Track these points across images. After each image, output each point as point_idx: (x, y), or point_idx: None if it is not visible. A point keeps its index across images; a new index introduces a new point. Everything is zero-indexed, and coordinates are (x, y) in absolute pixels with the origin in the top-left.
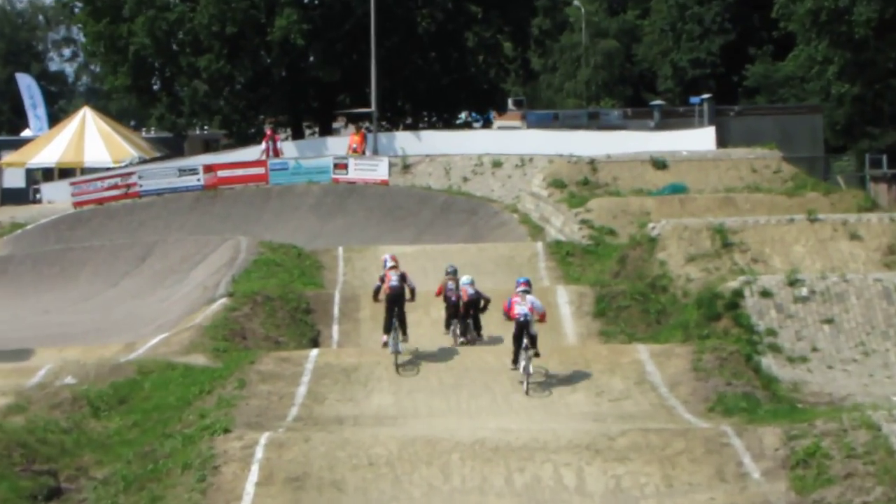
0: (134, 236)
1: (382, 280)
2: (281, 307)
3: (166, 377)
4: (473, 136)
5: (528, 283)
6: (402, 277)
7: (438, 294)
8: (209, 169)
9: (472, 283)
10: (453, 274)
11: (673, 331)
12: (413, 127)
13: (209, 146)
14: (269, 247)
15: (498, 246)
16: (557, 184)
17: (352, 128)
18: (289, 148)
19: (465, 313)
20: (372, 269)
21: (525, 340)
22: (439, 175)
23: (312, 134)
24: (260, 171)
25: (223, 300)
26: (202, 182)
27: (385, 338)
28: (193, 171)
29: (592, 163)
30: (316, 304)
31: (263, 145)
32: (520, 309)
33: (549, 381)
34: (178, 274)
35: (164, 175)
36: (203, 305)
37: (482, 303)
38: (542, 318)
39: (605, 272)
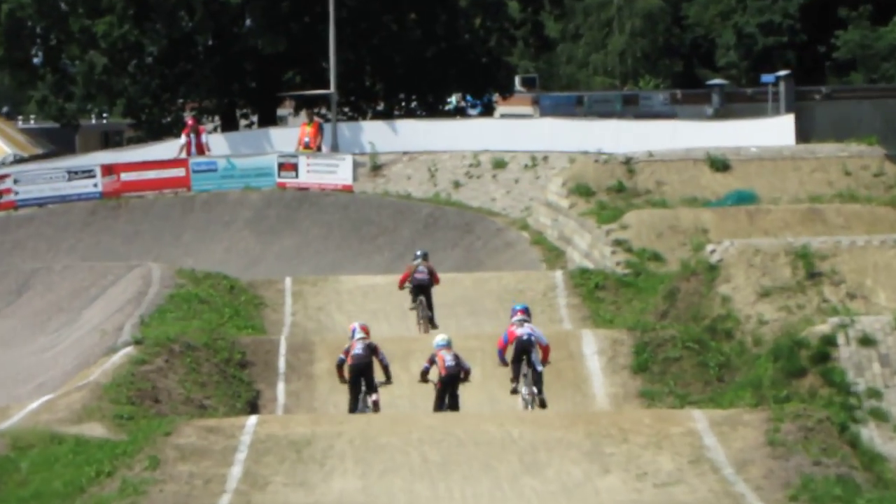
0: (7, 262)
1: (347, 352)
2: (207, 359)
3: (51, 454)
4: (468, 127)
5: (526, 310)
6: (371, 348)
7: (403, 282)
8: (110, 171)
9: (448, 346)
10: (423, 258)
11: (740, 391)
12: (386, 114)
13: (110, 140)
14: (190, 277)
15: (502, 276)
16: (582, 191)
17: (303, 116)
18: (218, 142)
19: (441, 392)
20: (331, 307)
21: (526, 369)
22: (422, 179)
23: (250, 124)
24: (179, 173)
25: (128, 349)
26: (100, 188)
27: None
28: (89, 174)
29: (629, 162)
30: (255, 355)
31: (183, 139)
32: (521, 330)
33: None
34: (66, 314)
35: (49, 179)
36: (101, 357)
37: (462, 375)
38: (545, 355)
39: (648, 311)
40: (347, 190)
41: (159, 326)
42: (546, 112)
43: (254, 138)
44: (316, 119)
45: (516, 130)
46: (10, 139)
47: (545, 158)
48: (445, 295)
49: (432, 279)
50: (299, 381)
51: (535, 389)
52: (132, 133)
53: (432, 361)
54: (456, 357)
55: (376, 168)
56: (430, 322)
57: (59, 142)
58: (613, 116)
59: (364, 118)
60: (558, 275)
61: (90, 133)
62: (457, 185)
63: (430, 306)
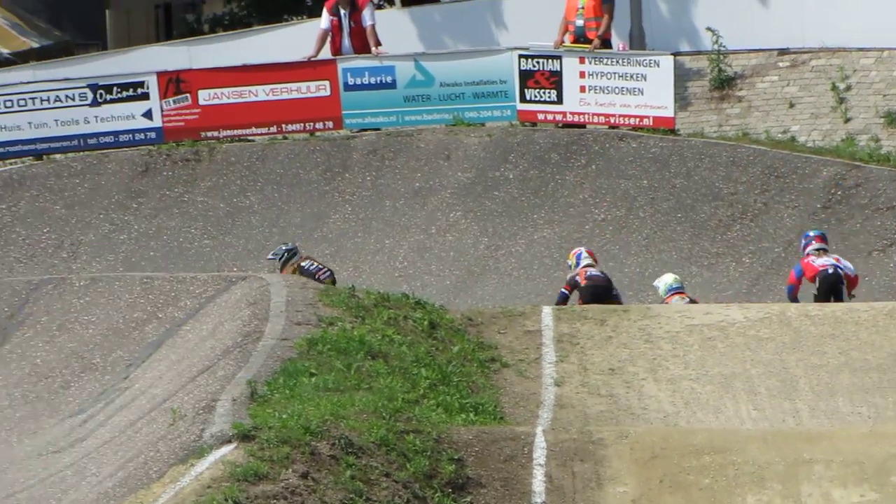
0: None
1: (574, 285)
2: (385, 472)
3: None
4: None
5: (823, 237)
6: (607, 281)
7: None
8: (176, 85)
9: (682, 291)
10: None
11: None
12: None
13: (174, 21)
14: (347, 302)
15: None
16: None
17: None
18: (398, 27)
19: None
20: (637, 366)
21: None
22: (818, 105)
23: None
24: (318, 90)
25: (225, 450)
26: (158, 121)
27: None
28: (134, 92)
29: None
30: (483, 465)
31: (325, 21)
32: (822, 261)
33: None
34: (97, 375)
35: (53, 101)
36: (171, 465)
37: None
38: (851, 286)
39: None
40: (666, 128)
41: (286, 405)
42: None
43: (470, 18)
44: None
45: None
46: None
47: None
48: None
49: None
50: None
51: None
52: (222, 9)
53: None
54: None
55: (724, 83)
56: None
57: (72, 22)
58: None
59: None
60: None
61: (135, 5)
62: (890, 118)
63: None
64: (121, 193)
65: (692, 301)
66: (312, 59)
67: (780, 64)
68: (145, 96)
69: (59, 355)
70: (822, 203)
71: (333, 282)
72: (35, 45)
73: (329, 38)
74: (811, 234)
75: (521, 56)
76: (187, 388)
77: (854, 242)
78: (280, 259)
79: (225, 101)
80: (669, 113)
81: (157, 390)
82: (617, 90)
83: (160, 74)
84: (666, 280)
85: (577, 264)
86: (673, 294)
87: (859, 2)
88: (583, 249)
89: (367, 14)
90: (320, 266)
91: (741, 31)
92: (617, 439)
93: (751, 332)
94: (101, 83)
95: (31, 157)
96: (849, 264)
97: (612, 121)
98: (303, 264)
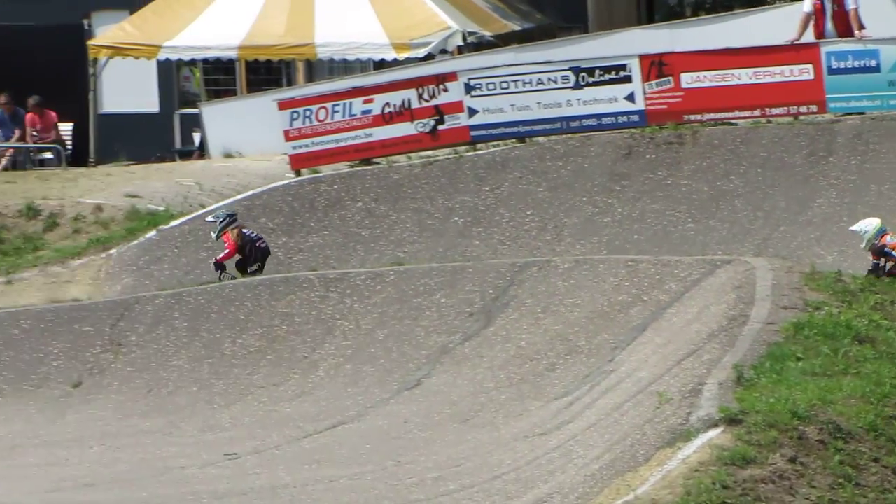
0: (460, 249)
1: None
2: (874, 457)
3: None
4: None
5: None
6: None
7: None
8: (658, 68)
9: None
10: None
11: None
12: None
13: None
14: (834, 288)
15: None
16: None
17: None
18: (875, 8)
19: None
20: None
21: None
22: None
23: None
24: (800, 73)
25: (710, 434)
26: (640, 104)
27: None
28: (616, 75)
29: None
30: None
31: (808, 6)
32: None
33: None
34: (581, 357)
35: (534, 84)
36: (657, 448)
37: None
38: None
39: None
40: None
41: (773, 389)
42: None
43: None
44: None
45: None
46: (463, 6)
47: None
48: None
49: None
50: None
51: None
52: None
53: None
54: None
55: None
56: None
57: (553, 5)
58: None
59: None
60: None
61: None
62: None
63: None
64: (604, 176)
65: None
66: (795, 42)
67: None
68: (627, 79)
69: (543, 338)
70: None
71: (268, 251)
72: (517, 28)
73: (812, 22)
74: None
75: None
76: (673, 371)
77: None
78: (220, 222)
79: (707, 84)
80: None
81: (643, 373)
82: None
83: (642, 58)
84: (874, 222)
85: None
86: (885, 234)
87: None
88: None
89: None
90: (260, 234)
91: None
92: None
93: None
94: (583, 66)
95: (513, 140)
96: None
97: None
98: (244, 230)
